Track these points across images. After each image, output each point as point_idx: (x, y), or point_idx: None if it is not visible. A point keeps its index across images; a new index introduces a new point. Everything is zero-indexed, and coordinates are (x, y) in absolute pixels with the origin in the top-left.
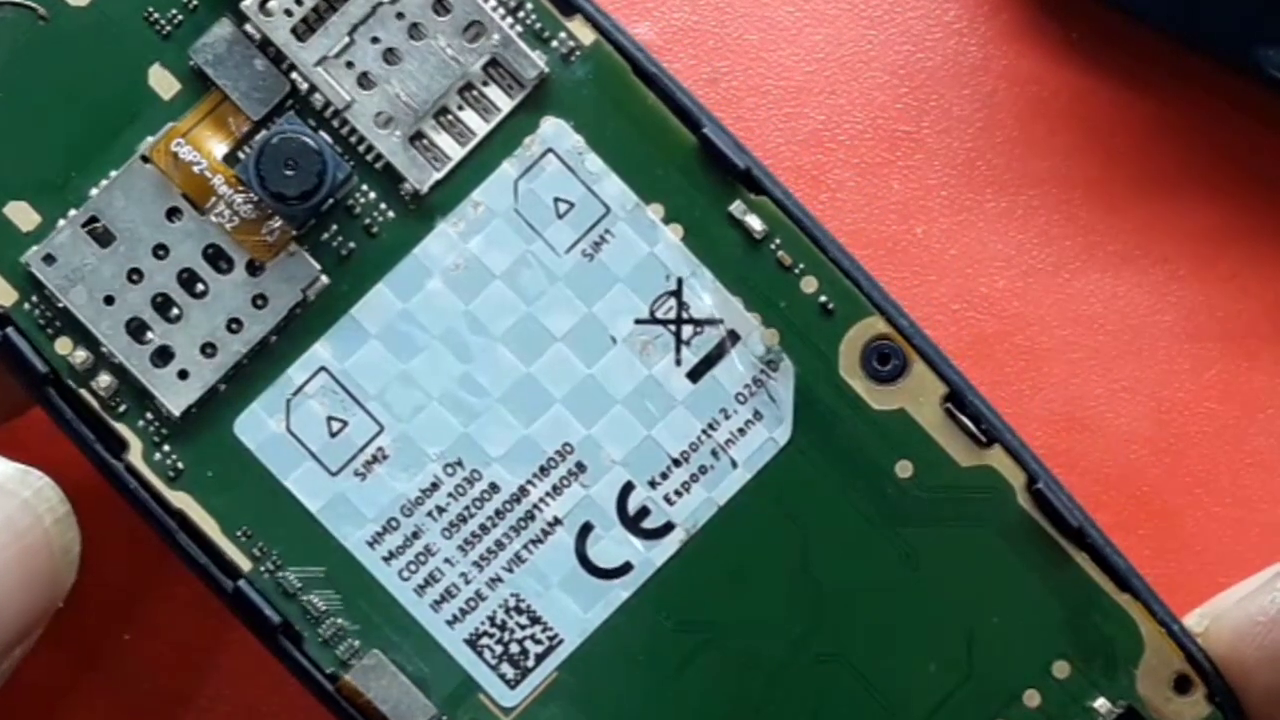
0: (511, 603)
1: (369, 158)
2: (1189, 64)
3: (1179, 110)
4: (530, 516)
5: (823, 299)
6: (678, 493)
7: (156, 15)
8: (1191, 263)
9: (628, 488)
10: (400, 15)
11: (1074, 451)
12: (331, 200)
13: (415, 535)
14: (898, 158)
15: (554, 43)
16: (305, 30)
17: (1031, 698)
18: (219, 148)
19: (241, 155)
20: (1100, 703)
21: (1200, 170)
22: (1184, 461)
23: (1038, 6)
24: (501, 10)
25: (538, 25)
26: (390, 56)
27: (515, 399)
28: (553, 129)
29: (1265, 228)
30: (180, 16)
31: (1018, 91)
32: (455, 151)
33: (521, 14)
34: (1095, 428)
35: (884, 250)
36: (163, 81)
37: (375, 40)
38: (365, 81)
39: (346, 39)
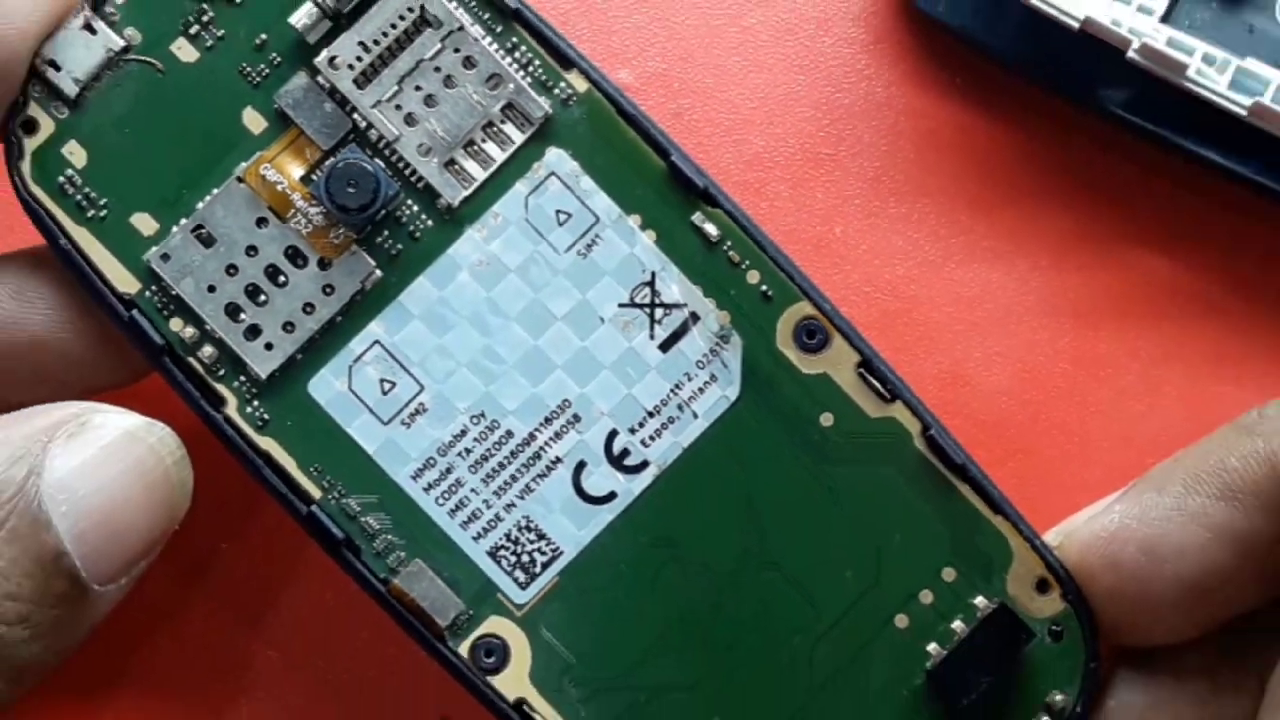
0: (523, 523)
1: (413, 179)
2: (1047, 102)
3: (1039, 138)
4: (537, 456)
5: (763, 288)
6: (651, 438)
7: (248, 68)
8: (1049, 257)
9: (613, 434)
10: (438, 69)
11: (957, 403)
12: (383, 212)
13: (448, 471)
14: (821, 174)
15: (556, 90)
16: (364, 80)
17: (925, 596)
18: (296, 171)
19: (314, 177)
20: (979, 600)
21: (1056, 185)
22: (1043, 411)
23: (929, 57)
24: (515, 65)
25: (543, 76)
26: (430, 101)
27: (525, 365)
28: (555, 157)
29: (1106, 230)
30: (267, 70)
31: (914, 124)
32: (479, 174)
33: (530, 67)
34: (973, 385)
35: (810, 246)
36: (253, 120)
37: (418, 88)
38: (410, 120)
39: (396, 87)
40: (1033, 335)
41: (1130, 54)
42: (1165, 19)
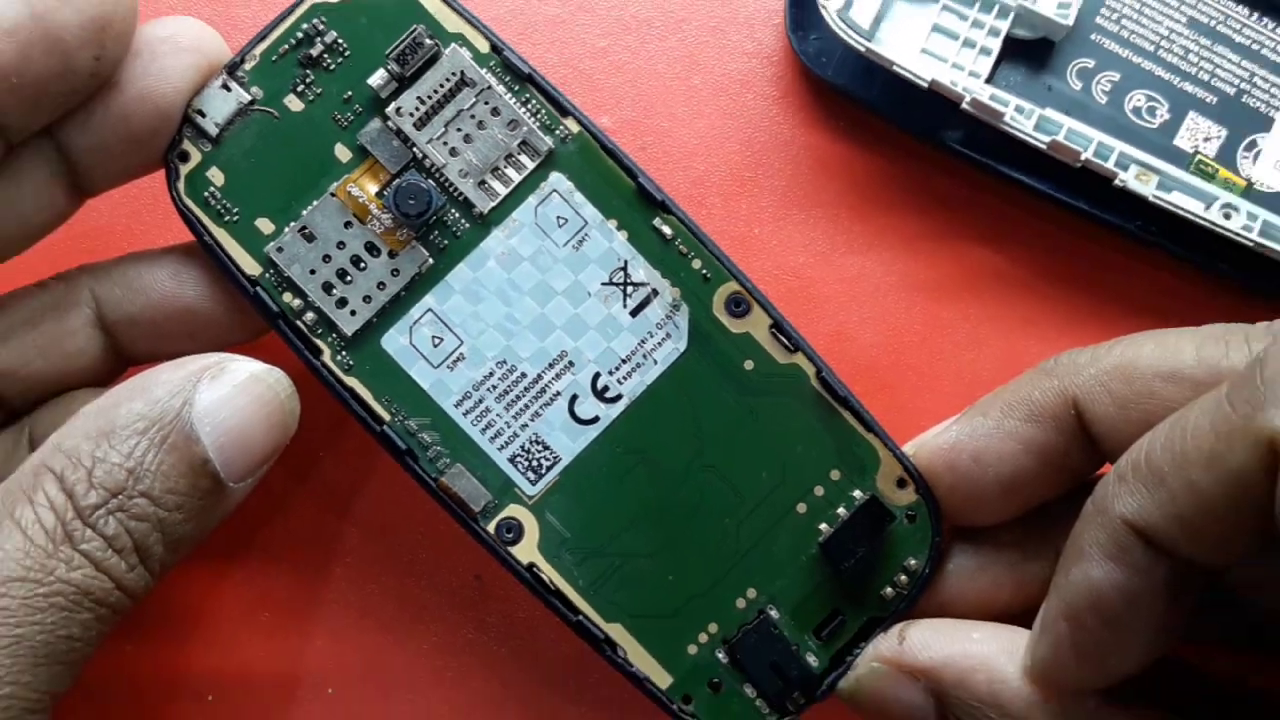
0: (533, 438)
1: (455, 194)
2: (904, 139)
3: (899, 164)
4: (543, 391)
5: (704, 272)
6: (624, 378)
7: (339, 115)
8: (905, 249)
9: (596, 375)
10: (473, 116)
11: (840, 354)
12: (434, 217)
13: (480, 401)
14: (744, 191)
15: (556, 131)
16: (420, 124)
17: (818, 490)
18: (372, 188)
19: (385, 193)
20: (856, 493)
21: (910, 198)
22: (901, 359)
23: (820, 107)
24: (527, 113)
25: (547, 121)
26: (467, 139)
27: (534, 326)
28: (556, 178)
29: (946, 230)
30: (351, 116)
31: (809, 155)
32: (502, 191)
33: (538, 115)
34: (852, 340)
35: (736, 242)
36: (342, 152)
37: (459, 130)
38: (453, 152)
39: (443, 129)
40: (894, 305)
41: (964, 105)
42: (989, 80)
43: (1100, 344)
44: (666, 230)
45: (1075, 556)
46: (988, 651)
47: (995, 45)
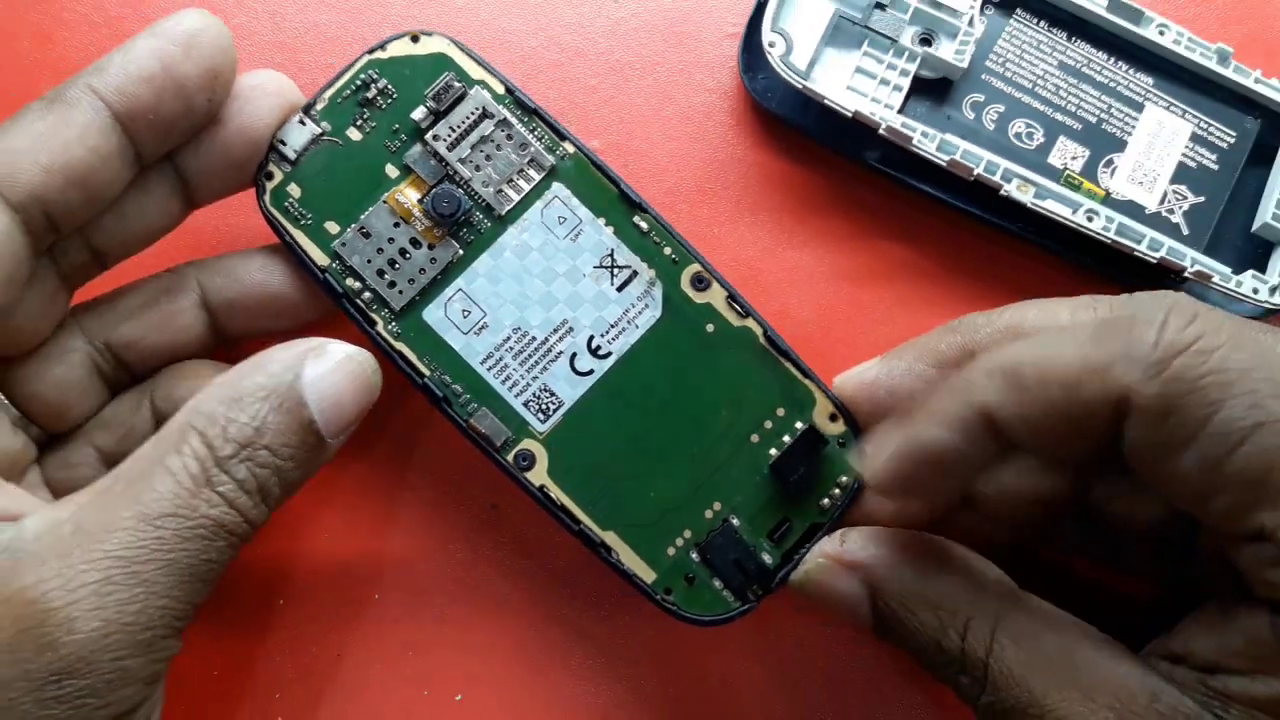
0: (542, 387)
1: (479, 199)
2: (834, 158)
3: (830, 178)
4: (549, 350)
5: (673, 257)
6: (613, 339)
7: (389, 142)
8: (835, 246)
9: (591, 337)
10: (492, 140)
11: (782, 328)
12: (463, 217)
13: (500, 359)
14: (706, 199)
15: (557, 151)
16: (452, 146)
17: (767, 424)
18: (415, 196)
19: (425, 199)
20: (797, 425)
21: (839, 205)
22: (832, 332)
23: (767, 132)
24: (534, 138)
25: (550, 144)
26: (488, 157)
27: (542, 301)
28: (557, 187)
29: (867, 230)
30: (399, 143)
31: (759, 170)
32: (516, 197)
33: (543, 139)
34: (793, 318)
35: (700, 240)
36: (391, 170)
37: (482, 151)
38: (477, 167)
39: (469, 150)
40: (825, 290)
41: (881, 131)
42: (900, 111)
43: (994, 309)
44: (643, 225)
45: (930, 416)
46: (914, 552)
47: (905, 83)
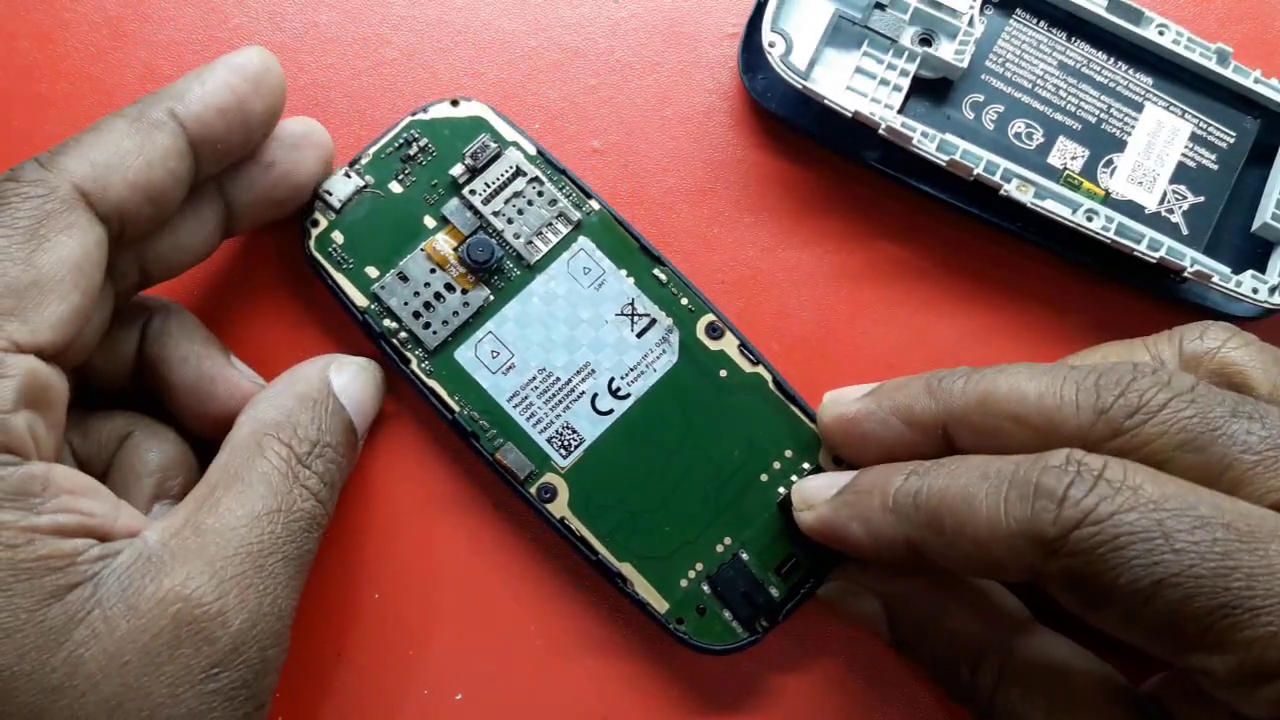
0: (565, 425)
1: (510, 250)
2: (833, 158)
3: (828, 177)
4: (572, 391)
5: (690, 307)
6: (632, 381)
7: (428, 195)
8: (835, 245)
9: (611, 379)
10: (524, 196)
11: (783, 328)
12: (495, 265)
13: (526, 398)
14: (707, 199)
15: (583, 208)
16: (486, 201)
17: (776, 464)
18: (451, 245)
19: (460, 248)
20: (805, 465)
21: (837, 204)
22: (832, 333)
23: (766, 132)
24: (562, 194)
25: (576, 200)
26: (520, 211)
27: (566, 344)
28: (583, 240)
29: (866, 230)
30: (437, 197)
31: (758, 170)
32: (544, 248)
33: (570, 196)
34: (792, 317)
35: (699, 239)
36: (429, 221)
37: (514, 205)
38: (509, 221)
39: (503, 204)
40: (825, 289)
41: (880, 131)
42: (900, 111)
43: (974, 372)
44: (662, 277)
45: (857, 515)
46: (930, 583)
47: (905, 83)
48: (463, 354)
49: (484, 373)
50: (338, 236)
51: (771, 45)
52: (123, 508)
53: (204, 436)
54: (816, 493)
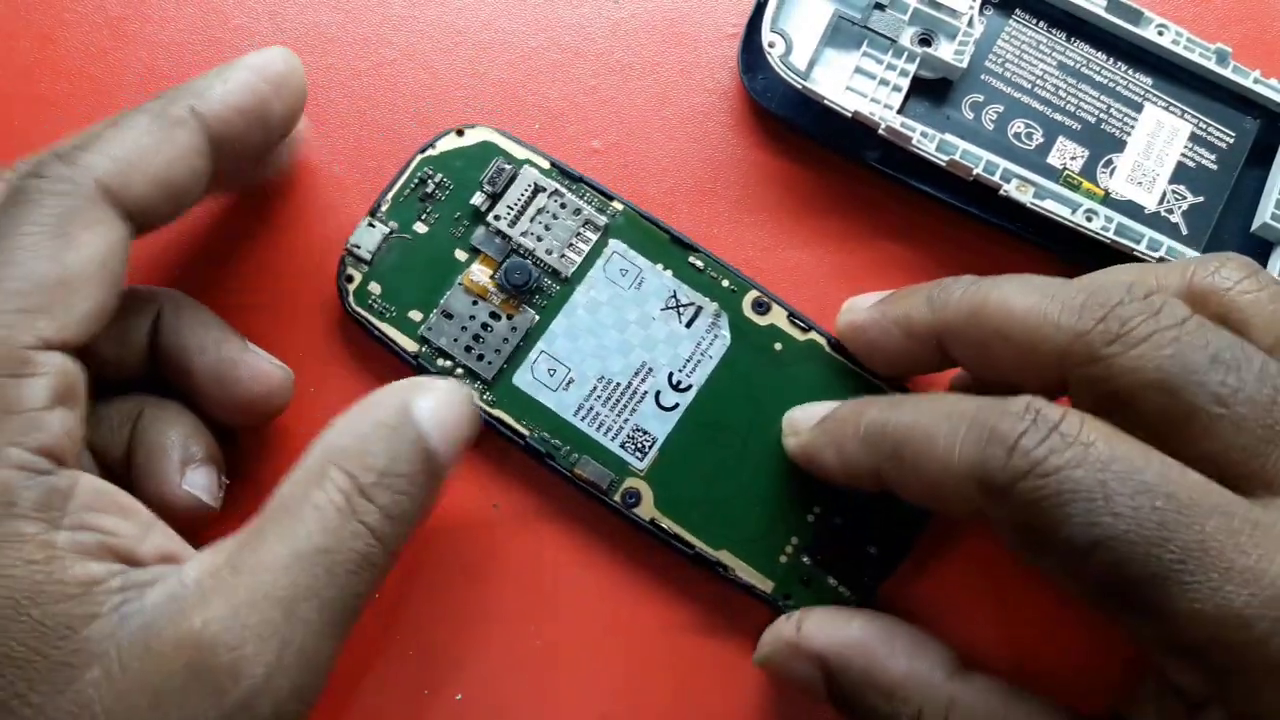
0: (635, 428)
1: (545, 267)
2: (833, 157)
3: (828, 177)
4: (634, 393)
5: (732, 288)
6: (690, 372)
7: (454, 229)
8: (835, 245)
9: (671, 374)
10: (548, 211)
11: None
12: (534, 285)
13: (591, 409)
14: (707, 199)
15: (608, 211)
16: (512, 223)
17: None
18: (487, 273)
19: (496, 274)
20: None
21: (837, 204)
22: (830, 329)
23: (766, 131)
24: (585, 202)
25: (600, 206)
26: (547, 227)
27: (619, 349)
28: (614, 244)
29: (866, 230)
30: (463, 229)
31: (758, 170)
32: (577, 259)
33: (594, 203)
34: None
35: (701, 239)
36: (460, 254)
37: (540, 222)
38: (538, 238)
39: (529, 224)
40: (825, 289)
41: (880, 131)
42: (900, 111)
43: (974, 283)
44: (699, 264)
45: (830, 445)
46: (864, 638)
47: (905, 83)
48: (521, 378)
49: (545, 392)
50: (374, 288)
51: (771, 45)
52: (156, 528)
53: (229, 425)
54: (803, 420)
